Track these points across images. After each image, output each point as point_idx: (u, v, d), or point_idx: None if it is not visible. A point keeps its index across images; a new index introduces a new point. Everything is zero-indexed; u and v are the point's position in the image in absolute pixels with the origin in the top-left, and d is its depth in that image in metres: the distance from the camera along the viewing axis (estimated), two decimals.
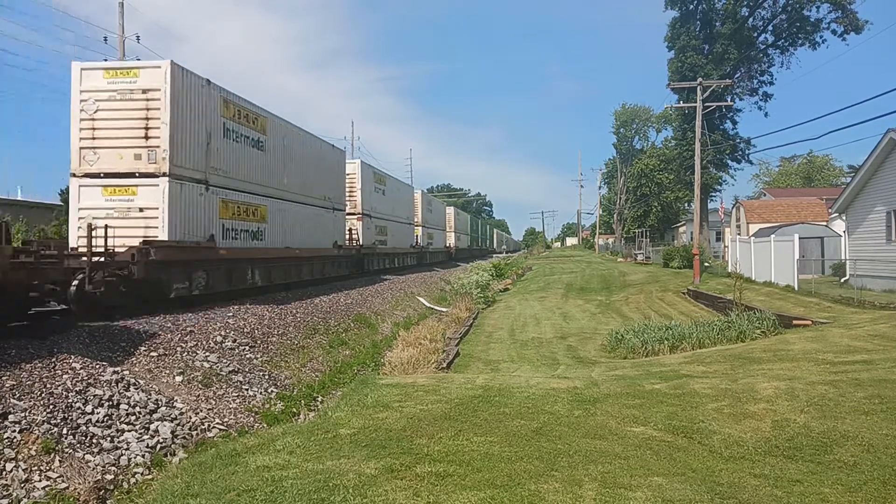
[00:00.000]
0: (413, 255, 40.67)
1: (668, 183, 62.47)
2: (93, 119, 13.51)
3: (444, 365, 12.89)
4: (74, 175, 13.58)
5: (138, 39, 31.05)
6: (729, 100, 40.01)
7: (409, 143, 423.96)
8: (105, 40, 33.75)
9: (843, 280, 23.18)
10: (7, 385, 7.48)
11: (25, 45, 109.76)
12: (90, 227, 11.27)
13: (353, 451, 6.24)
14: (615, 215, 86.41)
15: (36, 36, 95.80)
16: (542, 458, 5.96)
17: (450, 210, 57.58)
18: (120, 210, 13.40)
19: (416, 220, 42.85)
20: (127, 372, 9.13)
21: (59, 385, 7.95)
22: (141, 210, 13.41)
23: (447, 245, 52.85)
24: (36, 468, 6.50)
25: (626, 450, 6.22)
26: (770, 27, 42.43)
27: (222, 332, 12.52)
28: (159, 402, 8.73)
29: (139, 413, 8.29)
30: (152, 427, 8.17)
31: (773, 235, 25.90)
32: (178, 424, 8.49)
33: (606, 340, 16.30)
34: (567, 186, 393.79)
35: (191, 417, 8.81)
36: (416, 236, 42.77)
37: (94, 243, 11.32)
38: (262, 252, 17.74)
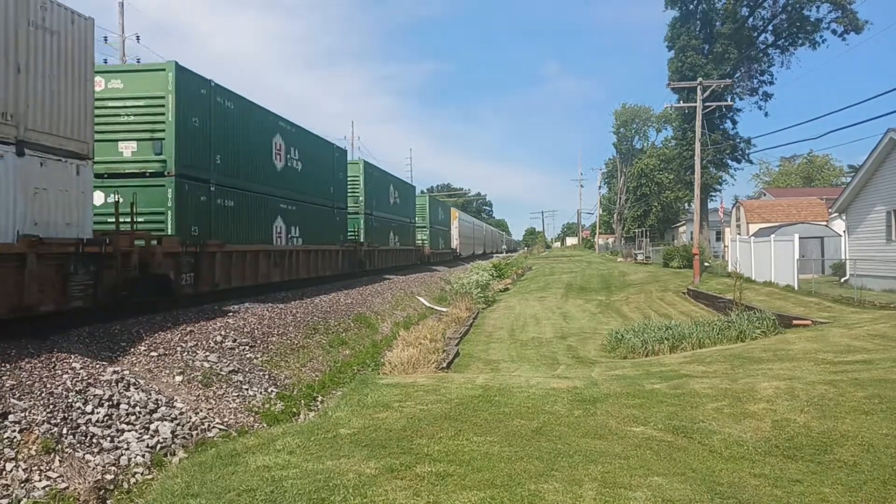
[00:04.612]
0: (343, 255, 24.61)
1: (668, 183, 62.54)
2: None
3: (444, 365, 12.89)
4: None
5: (138, 39, 31.08)
6: (729, 100, 40.05)
7: (409, 143, 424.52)
8: (105, 40, 33.66)
9: (843, 280, 23.19)
10: (7, 385, 7.48)
11: None
12: None
13: (353, 451, 6.23)
14: (615, 215, 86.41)
15: None
16: (542, 457, 5.95)
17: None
18: None
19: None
20: (127, 372, 9.13)
21: (59, 385, 7.95)
22: None
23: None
24: (36, 468, 6.50)
25: (626, 450, 6.22)
26: (770, 27, 42.50)
27: (222, 332, 12.52)
28: (159, 402, 8.73)
29: (139, 413, 8.29)
30: (152, 427, 8.17)
31: (773, 235, 25.90)
32: (178, 424, 8.49)
33: (606, 340, 16.30)
34: (567, 186, 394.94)
35: (191, 417, 8.81)
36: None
37: None
38: None
